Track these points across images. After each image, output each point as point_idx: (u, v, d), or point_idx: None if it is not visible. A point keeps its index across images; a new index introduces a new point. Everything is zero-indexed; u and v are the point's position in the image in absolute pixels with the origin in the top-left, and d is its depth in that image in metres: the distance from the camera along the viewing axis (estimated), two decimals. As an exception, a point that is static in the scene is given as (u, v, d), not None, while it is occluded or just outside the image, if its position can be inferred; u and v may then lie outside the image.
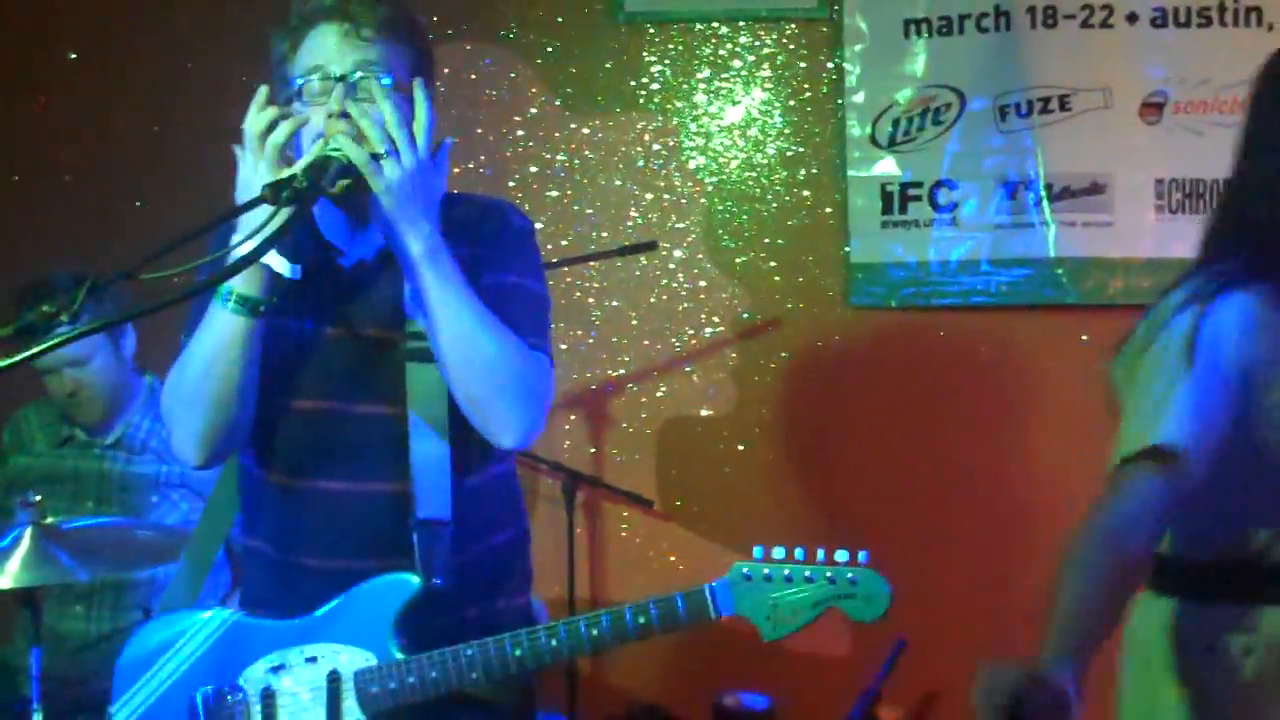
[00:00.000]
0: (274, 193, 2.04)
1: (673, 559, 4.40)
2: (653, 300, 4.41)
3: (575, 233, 4.40)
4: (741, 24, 4.34)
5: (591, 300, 4.42)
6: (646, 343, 4.41)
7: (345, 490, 2.41)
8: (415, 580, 2.35)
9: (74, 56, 4.62)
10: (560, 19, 4.41)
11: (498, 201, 2.59)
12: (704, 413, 4.40)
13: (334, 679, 2.35)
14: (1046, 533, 3.89)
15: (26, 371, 1.90)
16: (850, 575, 2.29)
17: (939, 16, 4.19)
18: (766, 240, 4.37)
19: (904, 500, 4.23)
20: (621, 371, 4.42)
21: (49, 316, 1.78)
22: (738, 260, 4.38)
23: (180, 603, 2.63)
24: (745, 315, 4.38)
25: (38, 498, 3.07)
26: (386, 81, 2.31)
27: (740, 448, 4.38)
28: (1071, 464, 3.81)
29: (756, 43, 4.34)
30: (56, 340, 1.77)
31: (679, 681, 4.25)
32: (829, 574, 2.29)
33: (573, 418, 4.39)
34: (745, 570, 2.32)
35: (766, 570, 2.31)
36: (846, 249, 4.30)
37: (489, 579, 2.53)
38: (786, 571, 2.31)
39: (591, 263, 4.30)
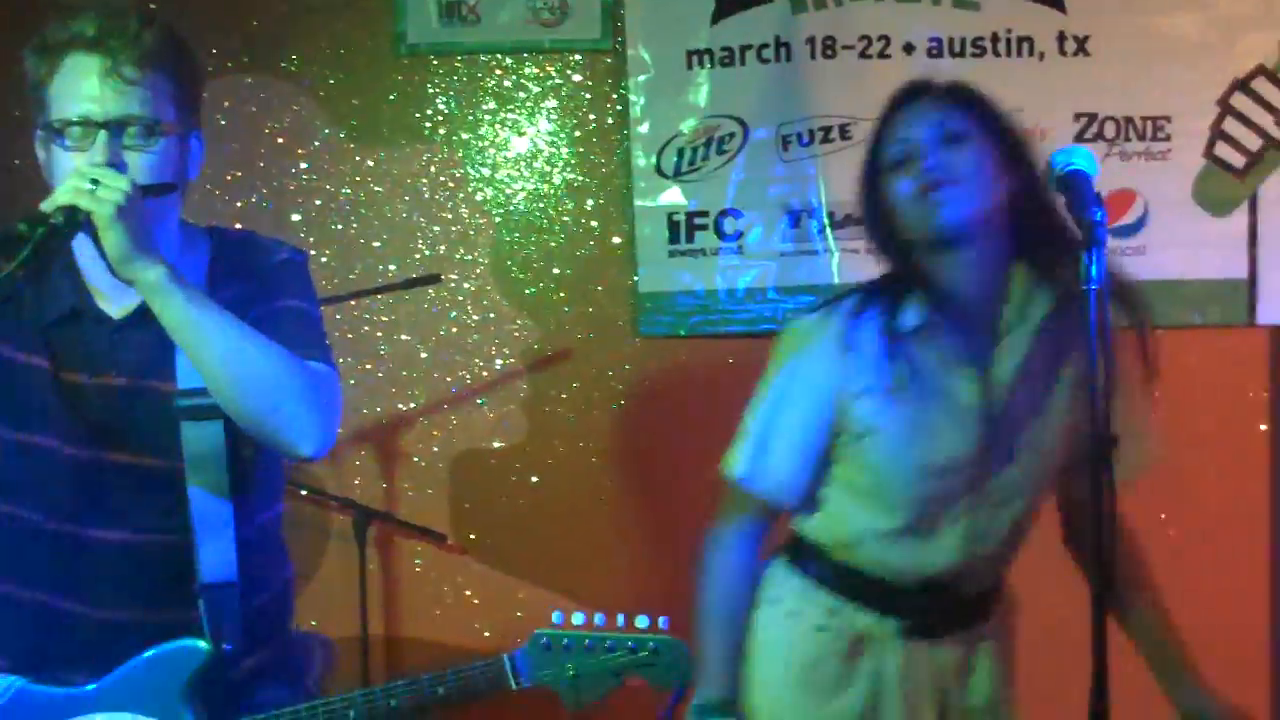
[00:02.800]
0: (29, 230, 2.14)
1: (468, 593, 4.55)
2: (442, 332, 4.57)
3: (363, 265, 4.55)
4: (525, 55, 4.53)
5: (380, 334, 4.56)
6: (436, 375, 4.57)
7: (122, 540, 2.45)
8: (205, 646, 2.40)
9: None
10: (342, 51, 4.56)
11: (265, 239, 2.65)
12: (496, 445, 4.58)
13: None
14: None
15: None
16: (651, 643, 2.39)
17: (721, 48, 4.42)
18: (555, 271, 4.56)
19: (695, 526, 4.42)
20: (412, 405, 4.57)
21: None
22: (527, 291, 4.57)
23: None
24: (535, 346, 4.57)
25: None
26: (149, 122, 2.34)
27: (534, 479, 4.57)
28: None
29: (541, 74, 4.54)
30: None
31: None
32: (630, 642, 2.39)
33: (363, 453, 4.53)
34: (544, 639, 2.40)
35: (566, 639, 2.40)
36: (635, 278, 4.51)
37: (269, 626, 2.61)
38: (587, 640, 2.39)
39: (379, 295, 4.45)
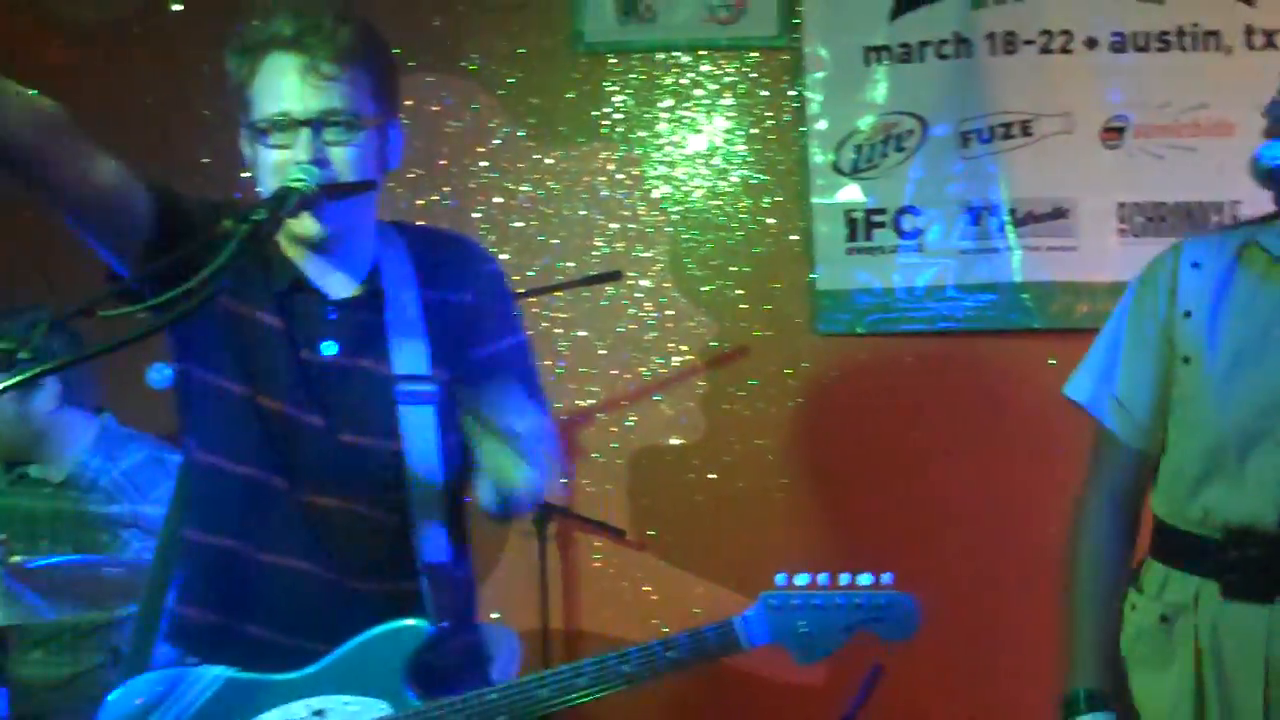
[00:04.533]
0: (234, 226, 2.18)
1: (646, 589, 4.72)
2: (620, 330, 4.73)
3: (541, 263, 4.72)
4: (703, 53, 4.67)
5: (559, 331, 4.73)
6: (615, 372, 4.74)
7: (344, 510, 2.54)
8: (426, 626, 2.49)
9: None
10: (521, 50, 4.73)
11: (460, 238, 2.80)
12: (674, 441, 4.73)
13: None
14: (1015, 556, 4.29)
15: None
16: (881, 599, 2.49)
17: (899, 44, 4.52)
18: (732, 268, 4.70)
19: (874, 526, 4.55)
20: (590, 401, 4.74)
21: (8, 354, 1.91)
22: (704, 288, 4.71)
23: (140, 643, 2.74)
24: (713, 343, 4.70)
25: (3, 536, 3.25)
26: (349, 116, 2.44)
27: (711, 476, 4.70)
28: (1040, 487, 4.02)
29: (718, 71, 4.67)
30: (19, 378, 1.91)
31: (655, 714, 4.53)
32: (858, 598, 2.48)
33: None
34: (773, 600, 2.49)
35: (795, 598, 2.49)
36: (812, 276, 4.62)
37: (470, 611, 2.75)
38: (816, 598, 2.49)
39: (558, 293, 4.60)
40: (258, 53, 2.47)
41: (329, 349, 2.58)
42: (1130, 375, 2.78)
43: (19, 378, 1.91)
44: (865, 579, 2.49)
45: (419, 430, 2.55)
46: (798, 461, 4.67)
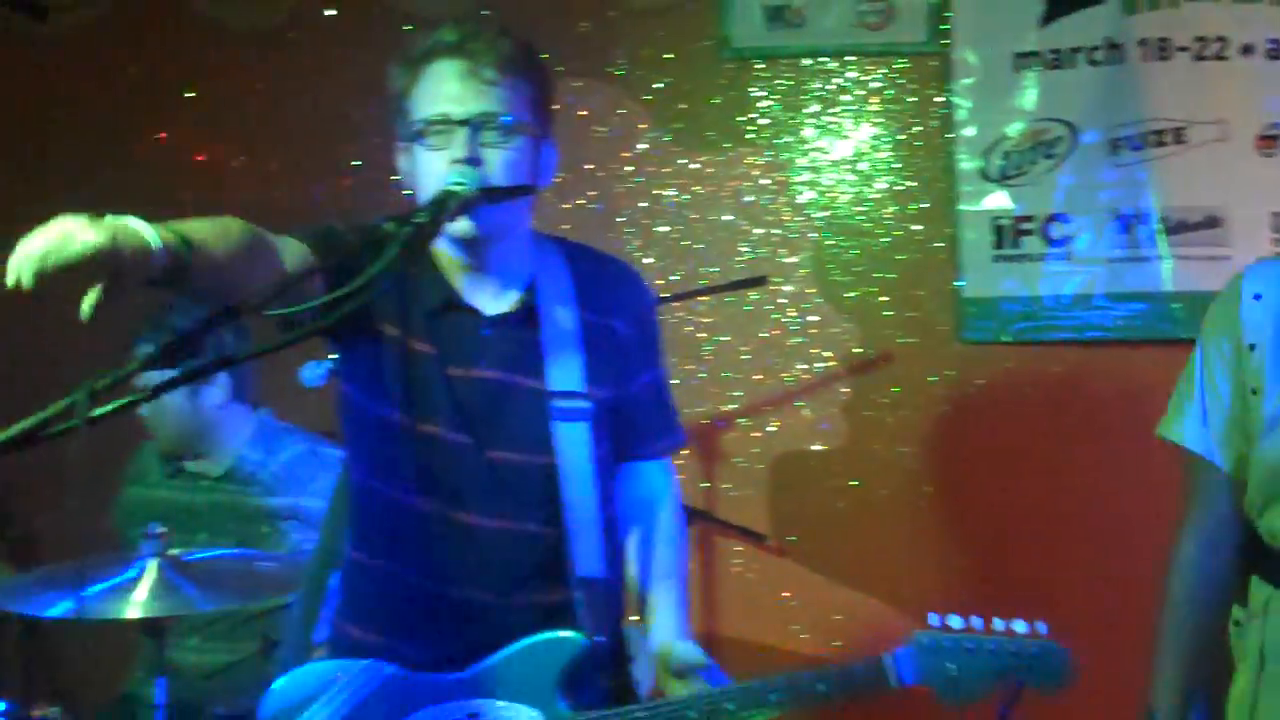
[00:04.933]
0: (396, 229, 2.25)
1: (786, 594, 4.74)
2: (763, 335, 4.76)
3: (685, 268, 4.76)
4: (850, 59, 4.69)
5: (702, 335, 4.77)
6: (757, 377, 4.77)
7: (499, 528, 2.60)
8: (580, 638, 2.55)
9: (191, 96, 5.09)
10: (668, 55, 4.79)
11: (626, 268, 2.85)
12: (816, 447, 4.75)
13: None
14: (1165, 567, 4.24)
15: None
16: (1033, 647, 2.46)
17: (1050, 50, 4.50)
18: (877, 274, 4.71)
19: (1017, 536, 4.54)
20: (733, 406, 4.77)
21: (175, 350, 1.96)
22: (848, 295, 4.72)
23: (299, 633, 2.90)
24: (856, 350, 4.72)
25: (162, 530, 3.30)
26: (507, 120, 2.51)
27: (853, 483, 4.71)
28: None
29: (865, 77, 4.69)
30: (184, 375, 1.99)
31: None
32: (1010, 647, 2.46)
33: (685, 453, 4.68)
34: (925, 640, 2.47)
35: (947, 640, 2.45)
36: (958, 283, 4.62)
37: (617, 624, 2.77)
38: (968, 642, 2.46)
39: (701, 298, 4.65)
40: (421, 61, 2.55)
41: (483, 367, 2.63)
42: (1215, 407, 2.79)
43: (189, 373, 1.99)
44: (1020, 626, 2.48)
45: (574, 446, 2.62)
46: (940, 469, 4.66)
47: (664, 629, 2.69)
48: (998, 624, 2.48)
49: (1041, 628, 2.48)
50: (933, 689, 2.45)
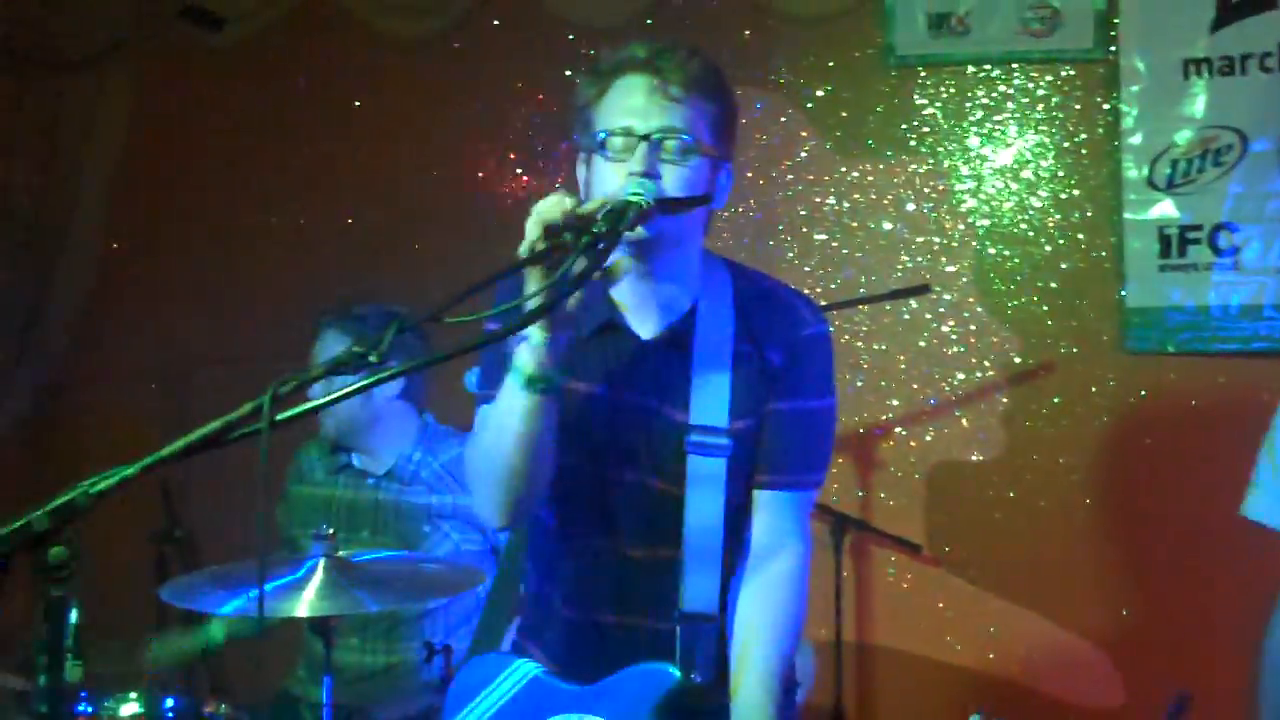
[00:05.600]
0: (574, 238, 2.25)
1: (940, 605, 4.70)
2: (922, 344, 4.75)
3: (844, 276, 4.77)
4: (1015, 66, 4.67)
5: (860, 344, 4.76)
6: (915, 386, 4.75)
7: (640, 556, 2.62)
8: (675, 674, 2.53)
9: (358, 105, 5.22)
10: (831, 63, 4.81)
11: (791, 294, 2.77)
12: (974, 458, 4.71)
13: None
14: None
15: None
16: None
17: (1220, 56, 4.44)
18: (1039, 284, 4.67)
19: (1182, 550, 4.44)
20: (890, 415, 4.75)
21: (359, 356, 1.95)
22: (1009, 304, 4.69)
23: (491, 622, 2.91)
24: (1017, 359, 4.68)
25: (331, 530, 3.32)
26: (688, 138, 2.50)
27: (1011, 494, 4.67)
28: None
29: (1030, 85, 4.66)
30: (371, 381, 1.98)
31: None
32: None
33: (840, 461, 4.72)
34: None
35: None
36: (1122, 293, 4.57)
37: (720, 662, 2.68)
38: None
39: (861, 306, 4.65)
40: (610, 75, 2.57)
41: (631, 393, 2.64)
42: None
43: (366, 381, 1.99)
44: None
45: (706, 481, 2.59)
46: (1100, 482, 4.60)
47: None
48: None
49: None
50: None
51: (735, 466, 2.61)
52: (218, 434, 1.88)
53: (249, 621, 3.45)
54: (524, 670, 2.66)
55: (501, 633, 2.95)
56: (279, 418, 1.88)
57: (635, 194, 2.39)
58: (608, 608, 2.66)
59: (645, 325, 2.65)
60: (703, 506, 2.57)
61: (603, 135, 2.55)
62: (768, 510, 2.69)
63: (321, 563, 3.24)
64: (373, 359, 1.95)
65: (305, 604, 3.12)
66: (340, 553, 3.33)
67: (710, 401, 2.61)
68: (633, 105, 2.52)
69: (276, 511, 4.42)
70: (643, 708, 2.52)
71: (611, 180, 2.51)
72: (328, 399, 1.99)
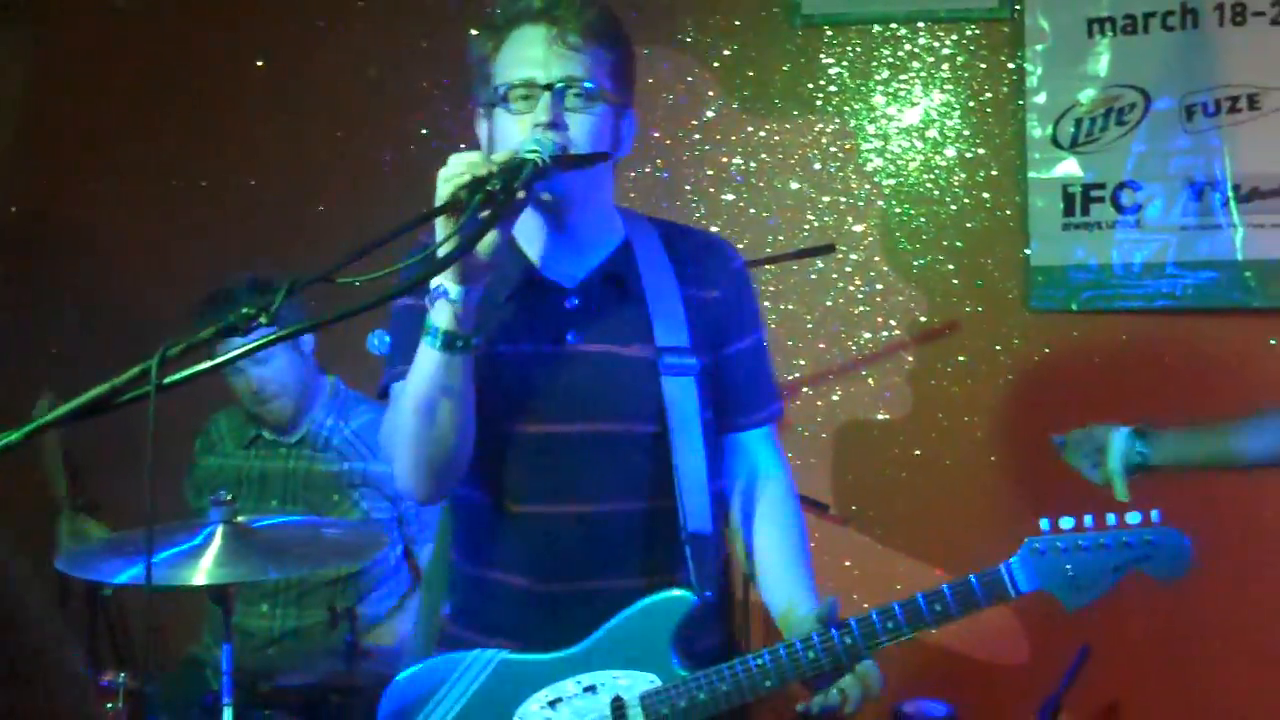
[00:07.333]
0: (468, 195, 2.23)
1: (847, 564, 4.71)
2: (829, 303, 4.75)
3: (751, 236, 4.75)
4: (920, 25, 4.66)
5: (767, 303, 4.73)
6: (822, 346, 4.75)
7: (610, 511, 2.58)
8: (690, 596, 2.50)
9: (260, 64, 5.13)
10: (737, 22, 4.78)
11: (714, 237, 2.84)
12: (880, 417, 4.73)
13: (619, 705, 2.48)
14: (1230, 541, 4.19)
15: (219, 376, 2.07)
16: (1148, 536, 2.39)
17: (1124, 15, 4.45)
18: (945, 243, 4.68)
19: (1084, 506, 4.44)
20: (796, 375, 4.76)
21: (248, 318, 1.92)
22: (915, 263, 4.70)
23: (425, 628, 2.87)
24: (922, 318, 4.70)
25: (230, 496, 3.30)
26: (590, 86, 2.49)
27: (917, 452, 4.70)
28: (1258, 471, 4.03)
29: (936, 44, 4.66)
30: (258, 343, 1.97)
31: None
32: (1125, 538, 2.39)
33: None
34: (1037, 545, 2.40)
35: (1060, 541, 2.40)
36: (1026, 251, 4.59)
37: (723, 580, 2.75)
38: (1081, 540, 2.39)
39: (767, 266, 4.61)
40: (506, 27, 2.54)
41: (575, 340, 2.60)
42: None
43: (259, 343, 1.98)
44: (1133, 517, 2.41)
45: (683, 402, 2.59)
46: (1006, 439, 4.63)
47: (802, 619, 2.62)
48: (1110, 518, 2.42)
49: (1156, 515, 2.42)
50: (1052, 593, 2.41)
51: (703, 394, 2.63)
52: (104, 398, 1.85)
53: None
54: (484, 659, 2.58)
55: (438, 607, 2.89)
56: (166, 381, 1.85)
57: (532, 151, 2.37)
58: (568, 574, 2.60)
59: (567, 274, 2.63)
60: (685, 428, 2.57)
61: (504, 88, 2.52)
62: (751, 450, 2.78)
63: (220, 529, 3.21)
64: (263, 321, 1.92)
65: (203, 571, 3.10)
66: (239, 518, 3.30)
67: (670, 324, 2.61)
68: (532, 56, 2.51)
69: (185, 483, 4.38)
70: (661, 643, 2.49)
71: (515, 133, 2.49)
72: (215, 361, 1.97)
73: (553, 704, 2.51)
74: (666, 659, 2.49)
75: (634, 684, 2.49)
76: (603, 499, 2.59)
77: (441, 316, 2.40)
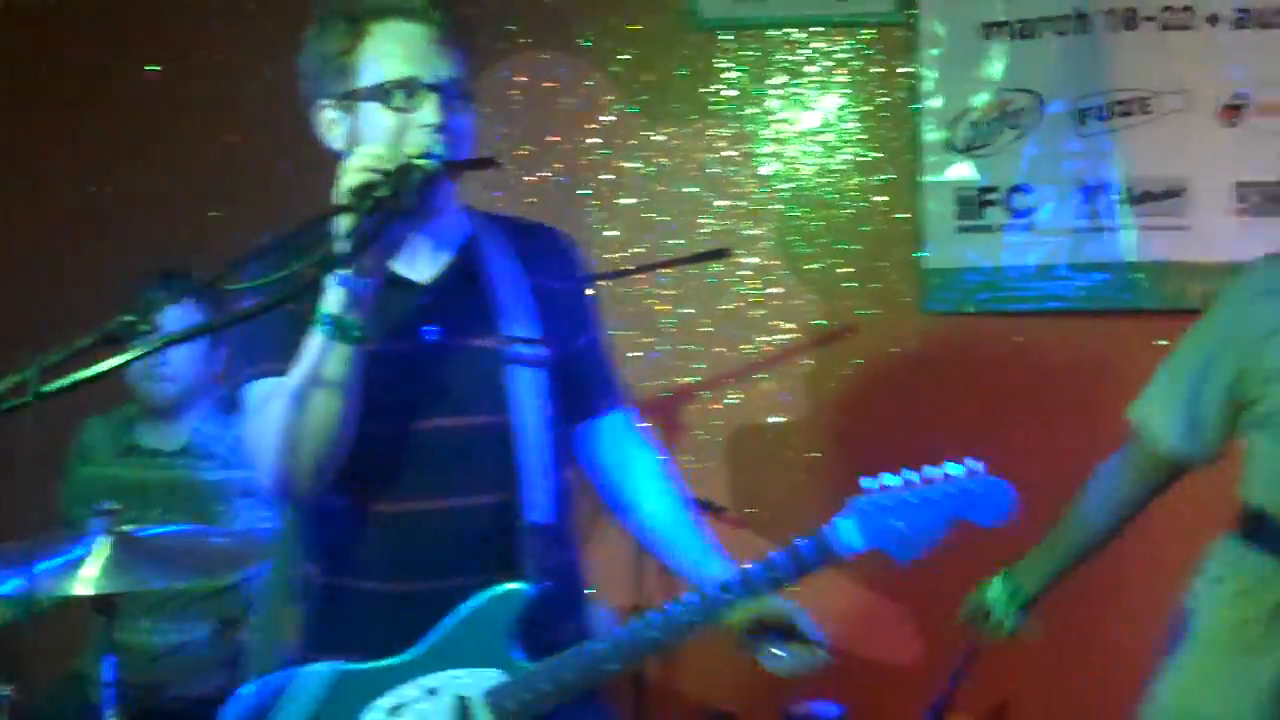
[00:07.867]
0: (357, 200, 2.23)
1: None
2: (726, 307, 4.75)
3: (649, 240, 4.75)
4: (816, 30, 4.68)
5: (664, 307, 4.75)
6: (719, 350, 4.75)
7: (456, 507, 2.51)
8: (524, 588, 2.45)
9: (150, 68, 5.06)
10: (635, 27, 4.79)
11: (559, 232, 2.79)
12: (776, 419, 4.73)
13: (463, 704, 2.44)
14: (1123, 539, 4.21)
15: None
16: (973, 485, 2.39)
17: (1018, 20, 4.50)
18: (840, 246, 4.70)
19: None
20: (694, 379, 4.75)
21: (128, 325, 1.92)
22: (811, 266, 4.71)
23: (265, 644, 2.85)
24: (819, 322, 4.70)
25: (113, 505, 3.19)
26: (468, 88, 2.48)
27: (814, 455, 4.69)
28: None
29: (831, 48, 4.68)
30: (144, 350, 1.95)
31: (748, 689, 4.48)
32: (952, 489, 2.39)
33: (644, 426, 4.71)
34: (864, 503, 2.42)
35: (887, 500, 2.41)
36: (921, 254, 4.61)
37: (577, 587, 2.71)
38: (908, 496, 2.41)
39: (664, 270, 4.63)
40: (369, 19, 2.48)
41: (428, 334, 2.56)
42: (1205, 397, 2.96)
43: (144, 350, 1.97)
44: (956, 469, 2.41)
45: (528, 392, 2.56)
46: (902, 441, 4.61)
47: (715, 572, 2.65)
48: (932, 471, 2.42)
49: (978, 465, 2.42)
50: (885, 550, 2.42)
51: (551, 386, 2.60)
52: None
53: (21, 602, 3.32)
54: (322, 672, 2.51)
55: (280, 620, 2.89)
56: (45, 389, 1.83)
57: (423, 156, 2.36)
58: (417, 574, 2.54)
59: (419, 270, 2.59)
60: (530, 418, 2.54)
61: (386, 85, 2.45)
62: (614, 433, 2.77)
63: (103, 539, 3.13)
64: (143, 328, 1.92)
65: (87, 582, 3.02)
66: (123, 528, 3.21)
67: (519, 315, 2.59)
68: (414, 53, 2.46)
69: (62, 494, 4.28)
70: (499, 638, 2.46)
71: (392, 131, 2.45)
72: (96, 370, 1.92)
73: (395, 710, 2.46)
74: (506, 653, 2.46)
75: (476, 681, 2.46)
76: (451, 494, 2.53)
77: (338, 304, 2.35)
